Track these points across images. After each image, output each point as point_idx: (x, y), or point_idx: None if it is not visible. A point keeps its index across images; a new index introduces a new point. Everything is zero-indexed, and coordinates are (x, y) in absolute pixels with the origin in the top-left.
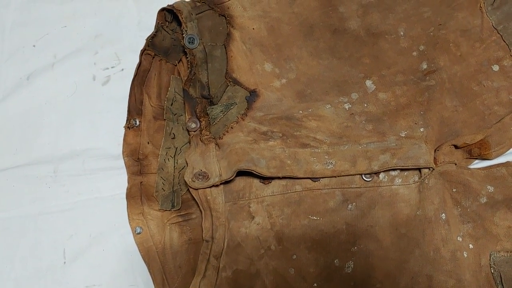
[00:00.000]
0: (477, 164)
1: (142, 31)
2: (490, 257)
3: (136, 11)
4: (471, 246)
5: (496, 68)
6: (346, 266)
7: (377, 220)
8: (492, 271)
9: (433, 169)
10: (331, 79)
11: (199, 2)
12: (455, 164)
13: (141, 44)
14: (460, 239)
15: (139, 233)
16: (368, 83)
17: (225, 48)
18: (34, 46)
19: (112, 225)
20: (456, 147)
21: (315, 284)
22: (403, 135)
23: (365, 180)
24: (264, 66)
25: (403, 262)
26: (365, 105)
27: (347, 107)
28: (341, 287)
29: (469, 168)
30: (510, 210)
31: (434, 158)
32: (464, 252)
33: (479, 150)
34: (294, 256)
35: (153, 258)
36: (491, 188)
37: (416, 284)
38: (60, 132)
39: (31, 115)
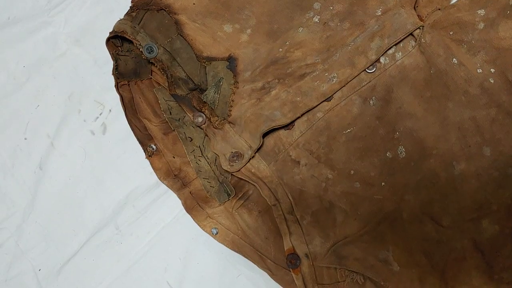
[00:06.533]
0: None
1: (102, 67)
2: None
3: (85, 53)
4: (492, 70)
5: None
6: (399, 152)
7: (401, 99)
8: None
9: (423, 26)
10: (287, 3)
11: (133, 12)
12: (439, 10)
13: (110, 79)
14: (480, 70)
15: (216, 233)
16: None
17: (181, 36)
18: (25, 139)
19: (192, 240)
20: None
21: (383, 183)
22: (379, 13)
23: (370, 72)
24: (224, 29)
25: (443, 120)
26: (331, 8)
27: (317, 19)
28: (404, 172)
29: (453, 4)
30: (509, 18)
31: (418, 16)
32: (490, 79)
33: None
34: (352, 172)
35: (241, 244)
36: (482, 11)
37: (465, 131)
38: (98, 195)
39: (64, 197)
